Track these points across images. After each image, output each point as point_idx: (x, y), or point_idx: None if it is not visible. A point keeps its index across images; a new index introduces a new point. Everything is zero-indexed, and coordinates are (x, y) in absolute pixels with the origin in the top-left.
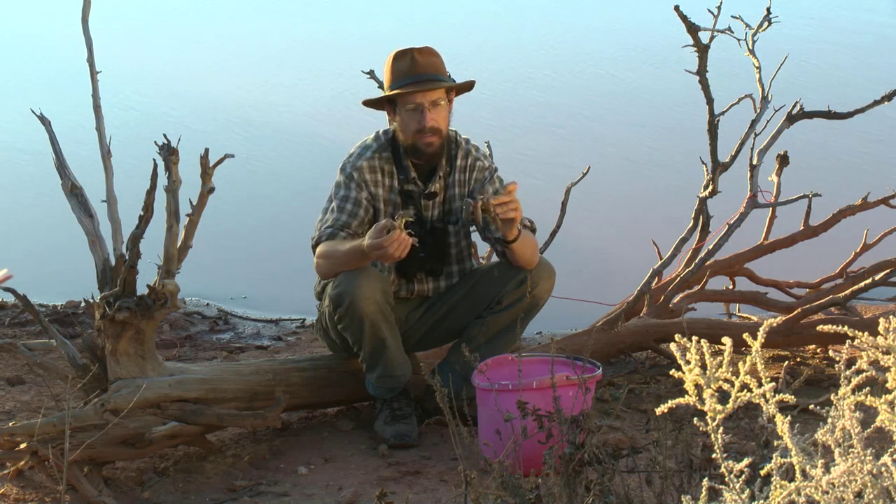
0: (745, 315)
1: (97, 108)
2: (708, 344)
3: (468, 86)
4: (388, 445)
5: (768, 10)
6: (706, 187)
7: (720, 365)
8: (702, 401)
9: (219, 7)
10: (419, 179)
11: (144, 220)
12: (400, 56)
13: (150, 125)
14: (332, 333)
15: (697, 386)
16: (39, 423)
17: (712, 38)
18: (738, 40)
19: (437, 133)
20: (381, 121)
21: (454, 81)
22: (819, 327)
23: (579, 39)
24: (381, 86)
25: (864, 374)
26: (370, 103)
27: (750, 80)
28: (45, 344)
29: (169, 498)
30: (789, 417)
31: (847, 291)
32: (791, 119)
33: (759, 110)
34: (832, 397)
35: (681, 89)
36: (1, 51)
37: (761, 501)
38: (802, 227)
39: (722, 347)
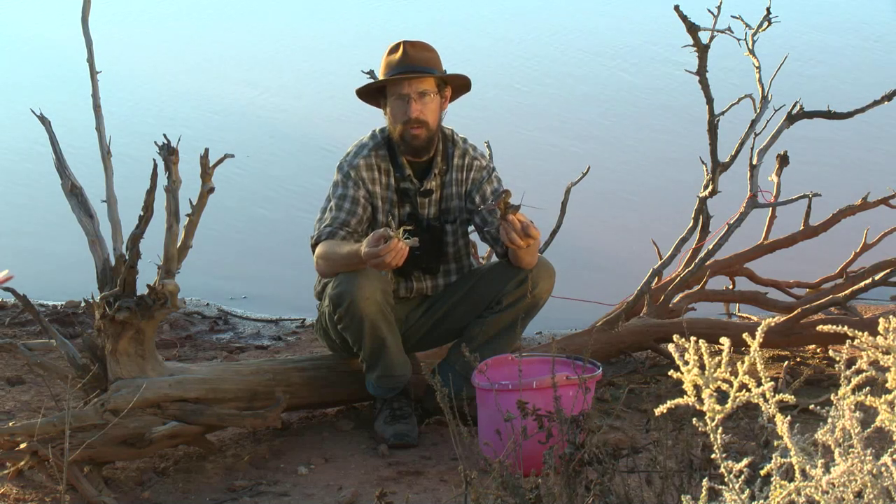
0: (745, 315)
1: (97, 108)
2: (707, 344)
3: (462, 82)
4: (388, 445)
5: (768, 10)
6: (706, 187)
7: (719, 365)
8: (701, 401)
9: (219, 8)
10: (415, 177)
11: (144, 220)
12: (393, 49)
13: (150, 125)
14: (332, 333)
15: (696, 386)
16: (39, 423)
17: (712, 38)
18: (738, 40)
19: (423, 125)
20: (377, 121)
21: (444, 73)
22: (819, 327)
23: (579, 39)
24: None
25: (864, 374)
26: (362, 93)
27: (750, 80)
28: (45, 344)
29: (169, 498)
30: (789, 417)
31: (847, 291)
32: (791, 119)
33: (759, 110)
34: (832, 397)
35: (680, 89)
36: (1, 51)
37: (761, 501)
38: (802, 227)
39: (721, 347)
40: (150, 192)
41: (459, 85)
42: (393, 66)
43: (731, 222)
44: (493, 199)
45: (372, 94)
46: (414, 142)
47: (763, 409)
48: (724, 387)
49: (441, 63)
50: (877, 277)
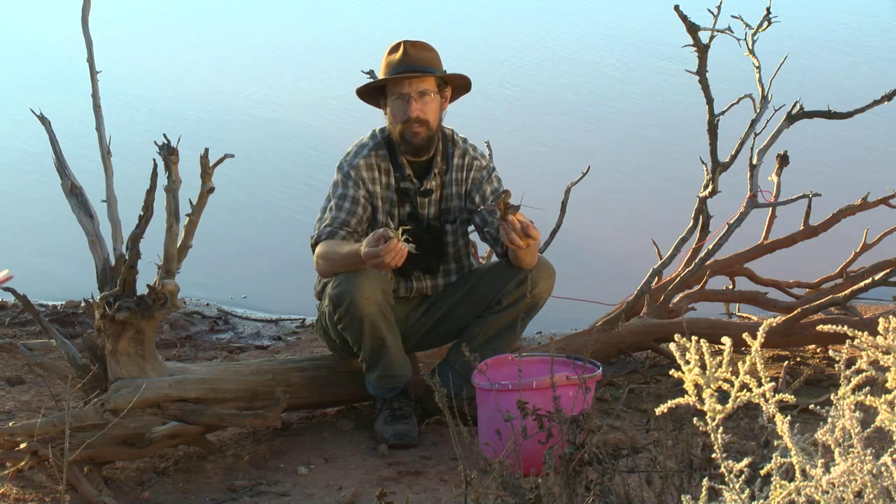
0: (745, 315)
1: (97, 108)
2: (708, 344)
3: (462, 82)
4: (388, 445)
5: (768, 10)
6: (706, 187)
7: (720, 365)
8: (701, 401)
9: (219, 8)
10: (415, 177)
11: (144, 220)
12: (393, 49)
13: (150, 125)
14: (332, 333)
15: (697, 386)
16: (39, 423)
17: (712, 38)
18: (738, 40)
19: (424, 124)
20: (376, 120)
21: (444, 73)
22: (819, 327)
23: (579, 39)
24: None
25: (864, 374)
26: (362, 93)
27: (750, 80)
28: (45, 344)
29: (169, 498)
30: (789, 417)
31: (847, 291)
32: (791, 119)
33: (759, 110)
34: (832, 397)
35: (681, 89)
36: (1, 51)
37: (761, 501)
38: (802, 227)
39: (722, 347)
40: (150, 192)
41: (460, 85)
42: (393, 65)
43: (731, 222)
44: (493, 200)
45: (372, 93)
46: (414, 140)
47: (763, 408)
48: (725, 386)
49: (441, 63)
50: (877, 277)
